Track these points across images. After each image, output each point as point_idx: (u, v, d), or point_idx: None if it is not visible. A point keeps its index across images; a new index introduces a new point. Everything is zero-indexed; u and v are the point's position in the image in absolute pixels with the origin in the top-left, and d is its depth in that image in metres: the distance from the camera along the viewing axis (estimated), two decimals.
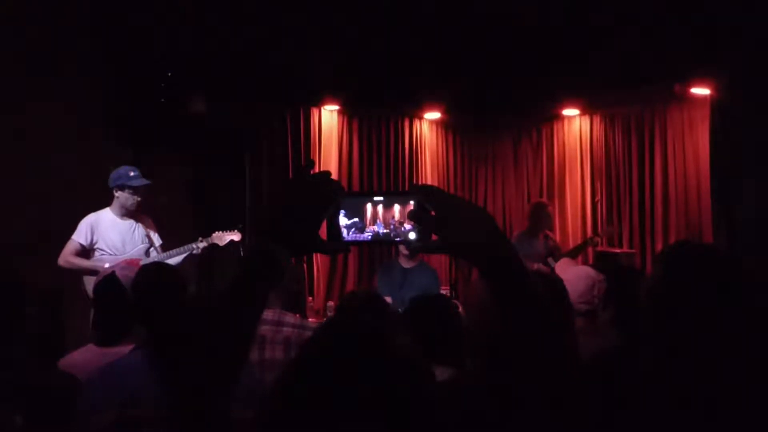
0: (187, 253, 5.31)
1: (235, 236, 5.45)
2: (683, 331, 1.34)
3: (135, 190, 5.15)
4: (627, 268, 3.77)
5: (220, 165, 6.97)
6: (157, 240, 5.36)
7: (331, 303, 7.11)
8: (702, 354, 1.31)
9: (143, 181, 5.17)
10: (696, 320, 1.33)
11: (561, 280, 2.33)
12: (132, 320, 2.74)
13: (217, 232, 5.43)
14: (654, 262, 1.44)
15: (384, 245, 4.93)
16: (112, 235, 5.16)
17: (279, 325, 2.94)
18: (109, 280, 2.80)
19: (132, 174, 5.15)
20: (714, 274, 1.34)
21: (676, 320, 1.36)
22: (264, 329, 2.91)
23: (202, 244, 5.34)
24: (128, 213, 5.21)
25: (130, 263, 3.26)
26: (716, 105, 6.75)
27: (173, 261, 5.19)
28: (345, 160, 7.81)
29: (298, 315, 3.11)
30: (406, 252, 5.98)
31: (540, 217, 6.98)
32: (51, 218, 5.25)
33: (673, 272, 1.40)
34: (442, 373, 2.17)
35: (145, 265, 2.76)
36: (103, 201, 5.27)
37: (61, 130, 5.59)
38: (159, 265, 2.85)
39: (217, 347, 1.23)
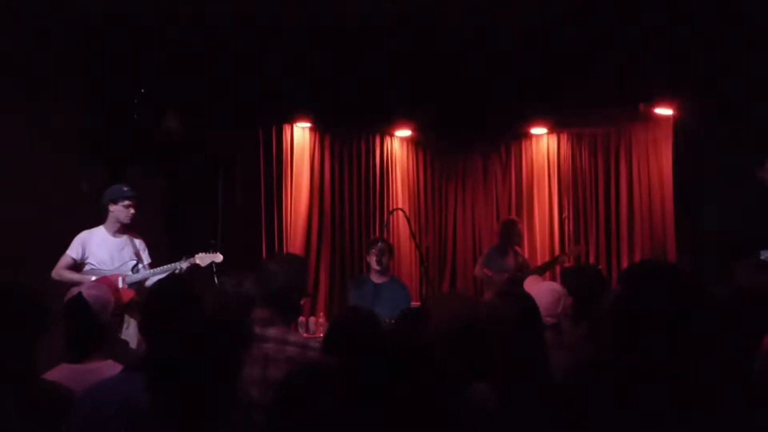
0: (170, 272, 5.43)
1: (217, 258, 5.56)
2: (645, 350, 1.41)
3: (130, 201, 5.42)
4: (597, 283, 3.86)
5: (192, 181, 6.98)
6: (146, 259, 5.56)
7: (302, 319, 7.13)
8: (663, 375, 1.38)
9: (132, 193, 5.46)
10: (656, 339, 1.40)
11: (532, 298, 2.43)
12: (101, 337, 2.82)
13: (200, 254, 5.56)
14: (619, 280, 1.54)
15: None
16: (102, 250, 5.42)
17: (283, 344, 2.93)
18: (75, 301, 2.87)
19: (124, 189, 5.47)
20: (676, 295, 1.42)
21: (637, 339, 1.43)
22: (267, 347, 2.90)
23: (185, 264, 5.47)
24: (121, 230, 5.48)
25: (100, 282, 3.31)
26: (678, 125, 6.96)
27: (155, 279, 5.38)
28: (317, 176, 7.86)
29: (303, 334, 3.11)
30: (377, 267, 6.04)
31: (510, 234, 7.16)
32: (26, 238, 5.29)
33: (635, 292, 1.48)
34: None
35: (156, 286, 2.82)
36: (79, 219, 5.47)
37: (35, 151, 5.62)
38: (171, 285, 2.90)
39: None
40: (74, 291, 3.01)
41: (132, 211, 5.45)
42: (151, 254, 5.62)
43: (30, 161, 5.55)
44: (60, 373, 2.74)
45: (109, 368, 2.62)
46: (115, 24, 5.74)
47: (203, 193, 7.07)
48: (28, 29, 5.61)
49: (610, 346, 1.45)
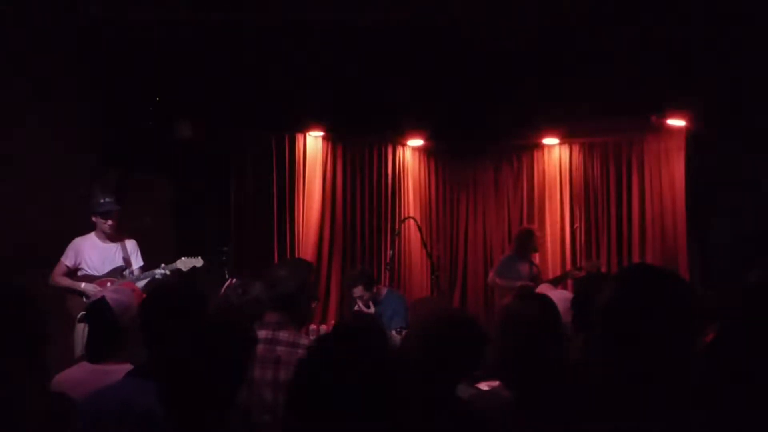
0: (148, 279, 5.52)
1: (197, 263, 5.64)
2: (631, 350, 1.43)
3: (104, 216, 5.50)
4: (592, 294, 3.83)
5: (204, 188, 7.04)
6: (136, 262, 5.64)
7: (313, 326, 7.15)
8: (648, 377, 1.40)
9: (109, 207, 5.50)
10: (643, 340, 1.42)
11: (553, 301, 2.46)
12: (121, 341, 2.85)
13: (182, 258, 5.64)
14: (608, 281, 1.54)
15: None
16: (93, 256, 5.57)
17: (294, 347, 2.98)
18: (98, 303, 2.90)
19: (102, 201, 5.53)
20: (662, 297, 1.44)
21: (624, 340, 1.45)
22: (279, 350, 2.97)
23: (162, 271, 5.56)
24: (110, 236, 5.58)
25: (122, 286, 3.34)
26: (691, 136, 6.95)
27: (141, 283, 5.45)
28: (329, 185, 7.90)
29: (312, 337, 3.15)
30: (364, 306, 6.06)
31: (529, 243, 7.19)
32: (37, 240, 5.37)
33: (623, 293, 1.50)
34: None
35: (157, 288, 2.86)
36: (87, 223, 5.60)
37: (46, 154, 5.69)
38: (174, 288, 2.94)
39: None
40: (91, 298, 3.05)
41: (110, 223, 5.52)
42: (160, 259, 5.67)
43: (31, 162, 5.63)
44: (78, 371, 2.78)
45: (125, 371, 2.66)
46: (129, 28, 5.80)
47: (215, 200, 7.12)
48: (29, 30, 5.68)
49: (600, 346, 1.46)
